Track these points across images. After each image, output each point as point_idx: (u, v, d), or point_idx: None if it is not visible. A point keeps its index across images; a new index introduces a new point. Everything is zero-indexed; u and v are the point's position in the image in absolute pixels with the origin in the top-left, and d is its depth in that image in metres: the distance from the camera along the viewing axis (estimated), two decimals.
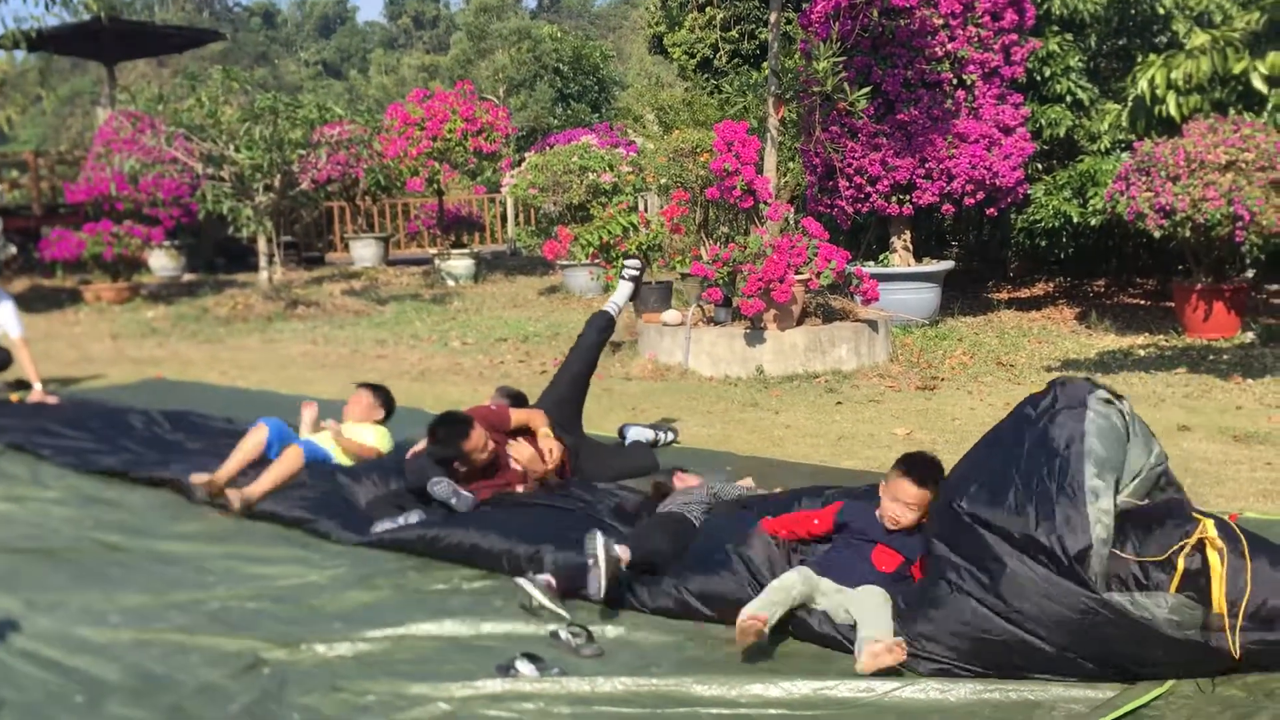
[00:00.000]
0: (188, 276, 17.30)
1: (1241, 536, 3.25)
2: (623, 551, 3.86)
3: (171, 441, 6.45)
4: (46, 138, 43.69)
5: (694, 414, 7.39)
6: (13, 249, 13.81)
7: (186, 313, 13.28)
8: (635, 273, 6.82)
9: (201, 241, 18.00)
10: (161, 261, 17.20)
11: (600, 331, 6.29)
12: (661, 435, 6.46)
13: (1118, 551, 3.21)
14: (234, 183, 13.47)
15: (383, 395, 6.06)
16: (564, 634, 3.63)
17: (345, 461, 5.62)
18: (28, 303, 13.32)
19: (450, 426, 5.05)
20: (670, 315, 9.53)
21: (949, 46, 10.59)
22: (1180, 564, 3.17)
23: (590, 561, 3.78)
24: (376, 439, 5.83)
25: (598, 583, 3.75)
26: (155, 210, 15.85)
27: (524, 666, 3.34)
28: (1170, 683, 3.13)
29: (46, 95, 20.49)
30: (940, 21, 10.55)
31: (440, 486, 4.84)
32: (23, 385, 7.85)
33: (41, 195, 17.93)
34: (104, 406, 7.43)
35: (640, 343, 9.73)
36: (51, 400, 7.61)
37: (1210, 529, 3.23)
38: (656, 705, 3.16)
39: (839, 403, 7.60)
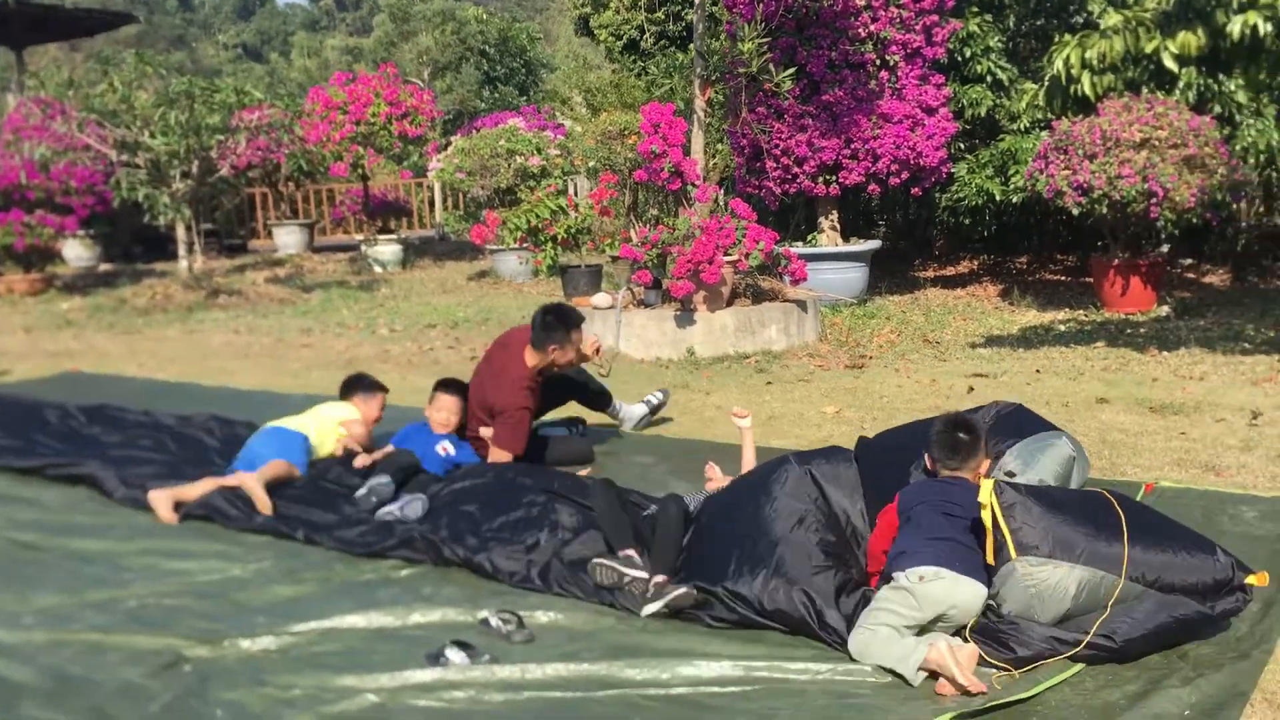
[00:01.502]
0: (104, 266, 16.87)
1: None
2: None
3: (88, 436, 6.27)
4: None
5: (626, 397, 7.35)
6: None
7: (103, 304, 12.95)
8: (657, 403, 6.59)
9: (117, 230, 17.54)
10: (76, 251, 16.73)
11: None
12: (654, 399, 6.58)
13: None
14: (149, 169, 13.13)
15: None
16: (494, 620, 3.60)
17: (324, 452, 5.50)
18: None
19: (568, 314, 5.48)
20: (600, 299, 9.49)
21: (872, 28, 10.67)
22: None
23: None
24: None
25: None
26: (68, 199, 15.38)
27: (454, 655, 3.31)
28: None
29: None
30: (863, 2, 10.62)
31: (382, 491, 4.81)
32: None
33: None
34: (17, 401, 7.21)
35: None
36: None
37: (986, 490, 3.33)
38: (588, 689, 3.15)
39: (769, 383, 7.64)
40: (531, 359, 5.50)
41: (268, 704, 3.13)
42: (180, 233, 13.97)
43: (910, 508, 3.53)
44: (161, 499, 4.95)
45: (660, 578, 3.77)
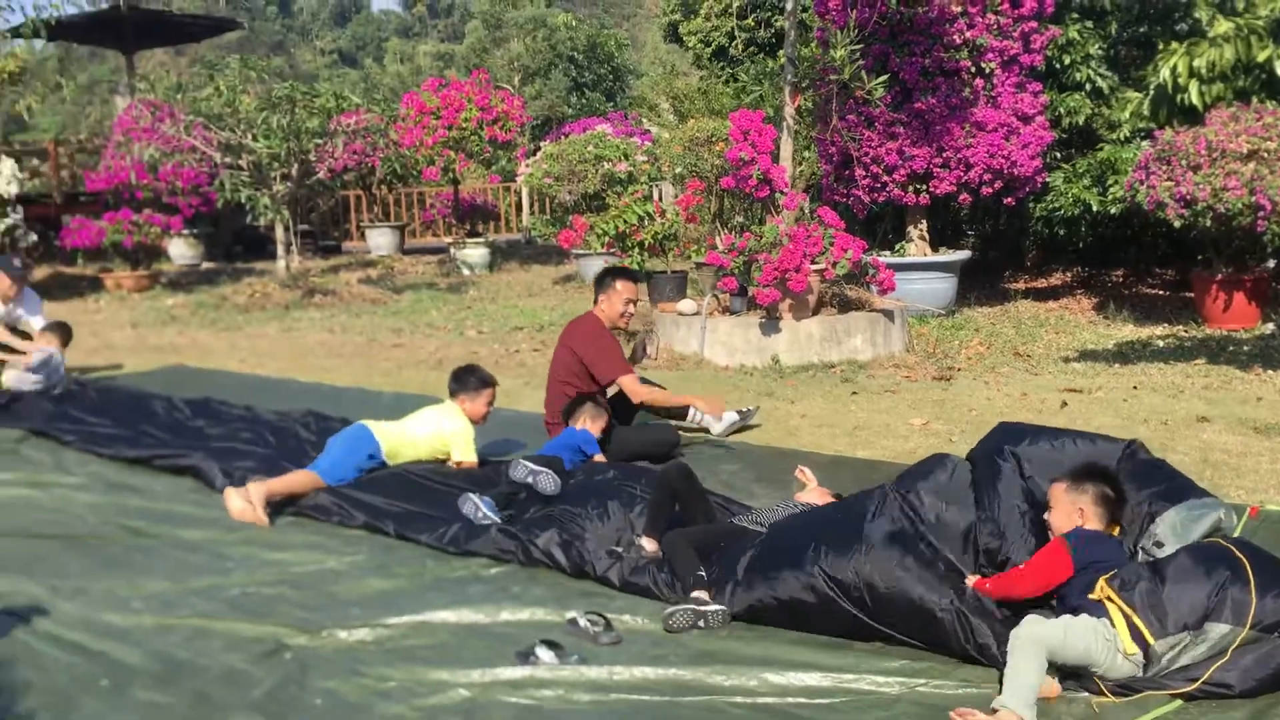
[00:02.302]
0: (206, 264, 17.38)
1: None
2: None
3: (192, 428, 6.49)
4: (65, 126, 43.85)
5: None
6: (34, 237, 13.87)
7: (205, 301, 13.35)
8: (748, 411, 6.70)
9: (219, 230, 18.07)
10: (180, 250, 17.27)
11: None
12: (746, 409, 6.68)
13: None
14: (252, 171, 13.52)
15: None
16: (582, 621, 3.65)
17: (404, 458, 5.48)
18: (50, 290, 13.40)
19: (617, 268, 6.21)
20: (685, 305, 9.53)
21: (968, 34, 10.55)
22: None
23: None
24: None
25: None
26: (174, 199, 15.90)
27: (544, 654, 3.37)
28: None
29: (66, 84, 20.56)
30: (959, 9, 10.51)
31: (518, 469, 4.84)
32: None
33: (62, 184, 18.03)
34: (126, 393, 7.49)
35: (656, 332, 9.73)
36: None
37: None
38: (675, 694, 3.19)
39: (854, 393, 7.60)
40: (596, 312, 6.13)
41: (364, 694, 3.22)
42: (279, 233, 14.36)
43: (1103, 563, 3.35)
44: (236, 497, 5.01)
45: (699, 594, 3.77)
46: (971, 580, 3.57)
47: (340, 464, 5.26)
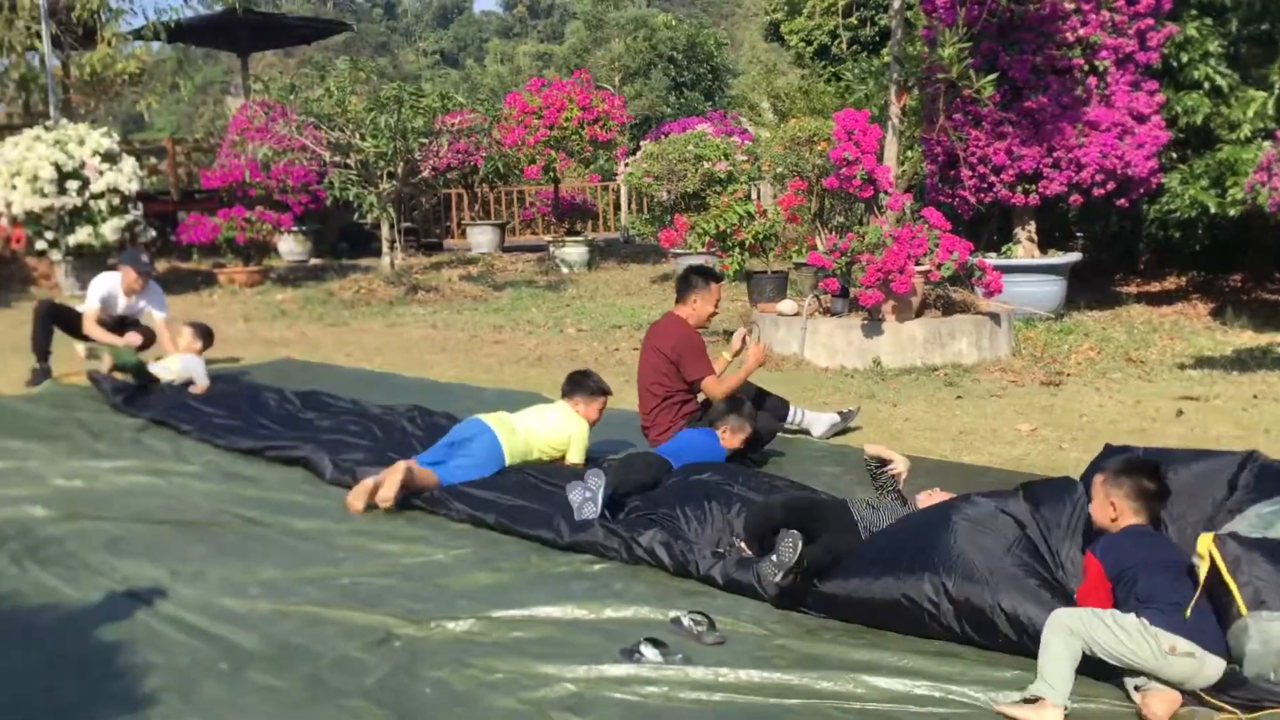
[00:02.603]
0: (314, 261, 17.82)
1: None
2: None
3: (303, 420, 6.66)
4: (180, 126, 45.42)
5: (810, 405, 7.33)
6: (152, 233, 14.36)
7: (313, 296, 13.68)
8: (849, 412, 6.68)
9: (326, 227, 18.52)
10: (290, 246, 17.73)
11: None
12: (847, 411, 6.66)
13: None
14: (359, 170, 13.82)
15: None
16: (686, 620, 3.65)
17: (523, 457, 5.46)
18: (166, 285, 13.77)
19: (705, 269, 6.21)
20: (786, 305, 9.48)
21: (1081, 32, 10.30)
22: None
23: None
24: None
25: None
26: (285, 196, 16.35)
27: (649, 651, 3.38)
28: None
29: (183, 84, 21.26)
30: (1072, 6, 10.26)
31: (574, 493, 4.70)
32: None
33: (179, 181, 18.66)
34: (240, 385, 7.72)
35: (755, 333, 9.70)
36: (196, 388, 7.95)
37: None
38: (780, 696, 3.17)
39: (959, 397, 7.47)
40: (682, 313, 6.04)
41: (472, 685, 3.27)
42: (384, 230, 14.66)
43: (1132, 566, 3.26)
44: (358, 494, 5.07)
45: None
46: None
47: (467, 472, 5.23)
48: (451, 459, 5.29)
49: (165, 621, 3.79)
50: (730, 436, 5.49)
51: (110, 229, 13.31)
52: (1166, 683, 3.03)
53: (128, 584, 4.12)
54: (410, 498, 5.11)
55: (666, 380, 5.88)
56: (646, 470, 5.01)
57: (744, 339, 6.12)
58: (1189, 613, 3.07)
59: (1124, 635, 3.04)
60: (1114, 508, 3.47)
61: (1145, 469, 3.53)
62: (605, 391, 5.74)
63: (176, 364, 7.59)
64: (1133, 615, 3.09)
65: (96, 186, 13.24)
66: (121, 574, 4.23)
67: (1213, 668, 3.04)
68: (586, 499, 4.61)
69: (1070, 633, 3.06)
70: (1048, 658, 3.03)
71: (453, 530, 4.80)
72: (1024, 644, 3.29)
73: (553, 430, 5.54)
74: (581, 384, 5.70)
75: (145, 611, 3.87)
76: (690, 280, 6.08)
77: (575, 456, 5.53)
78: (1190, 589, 3.14)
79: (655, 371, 5.92)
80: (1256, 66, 11.63)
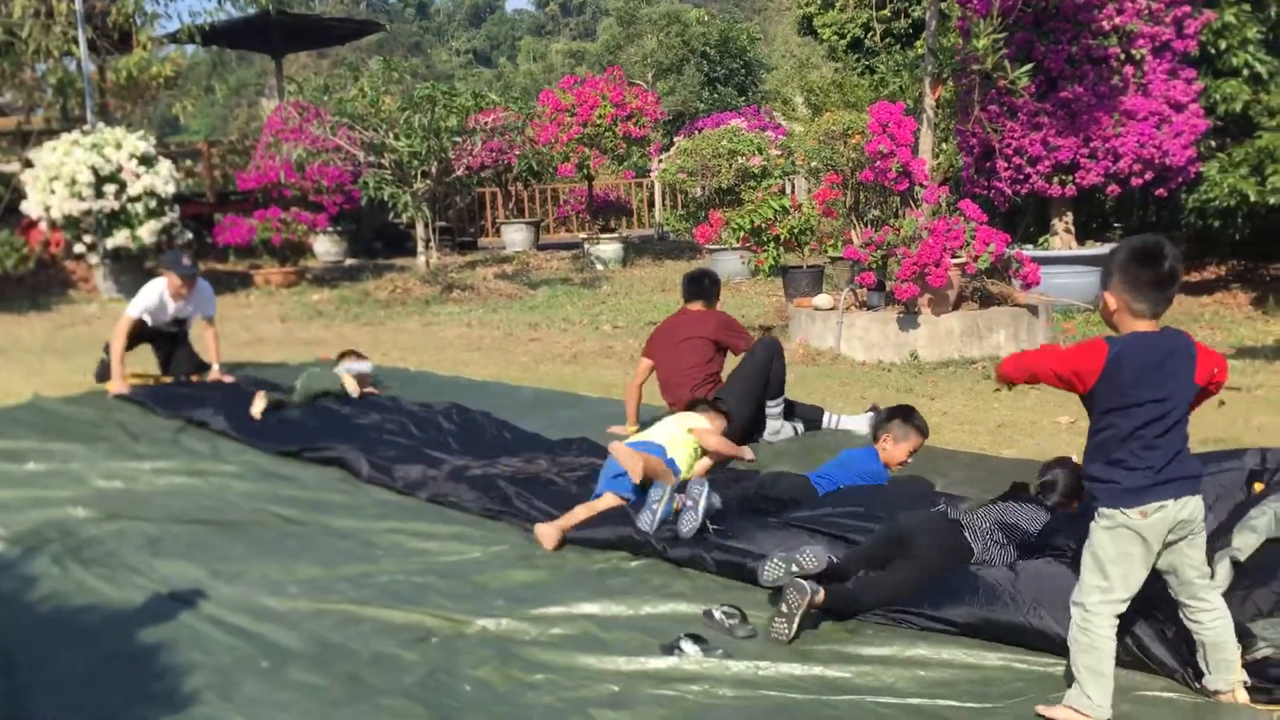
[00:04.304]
0: (349, 261, 17.91)
1: None
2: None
3: (342, 416, 6.71)
4: (215, 128, 45.84)
5: (847, 400, 7.30)
6: (189, 235, 14.50)
7: (349, 296, 13.76)
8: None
9: (361, 227, 18.61)
10: (325, 246, 17.84)
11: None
12: (874, 407, 6.52)
13: None
14: (393, 170, 13.88)
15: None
16: (718, 614, 3.64)
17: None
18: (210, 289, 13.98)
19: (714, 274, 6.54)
20: (822, 300, 9.43)
21: (1117, 20, 10.17)
22: None
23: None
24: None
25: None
26: (320, 197, 16.45)
27: (688, 647, 3.38)
28: None
29: (218, 87, 21.44)
30: None
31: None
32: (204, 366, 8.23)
33: (214, 183, 18.82)
34: (277, 386, 7.77)
35: (791, 327, 9.66)
36: (228, 379, 7.98)
37: None
38: (821, 691, 3.15)
39: (997, 390, 7.40)
40: (713, 313, 6.49)
41: (511, 684, 3.27)
42: (419, 230, 14.71)
43: (1140, 385, 2.86)
44: (548, 533, 4.56)
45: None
46: None
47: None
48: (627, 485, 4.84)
49: (206, 621, 3.82)
50: (894, 448, 4.90)
51: (147, 232, 13.44)
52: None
53: (168, 584, 4.16)
54: (436, 494, 5.17)
55: (711, 366, 6.31)
56: (788, 488, 4.71)
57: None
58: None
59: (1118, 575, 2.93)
60: (1120, 301, 2.98)
61: (1141, 252, 2.98)
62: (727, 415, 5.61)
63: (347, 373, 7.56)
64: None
65: (133, 190, 13.37)
66: (161, 574, 4.26)
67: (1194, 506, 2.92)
68: (688, 507, 4.35)
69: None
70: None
71: (490, 528, 4.81)
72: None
73: (686, 437, 5.27)
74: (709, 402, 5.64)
75: (186, 611, 3.90)
76: (712, 286, 6.54)
77: (721, 447, 5.36)
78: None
79: (702, 358, 6.27)
80: None
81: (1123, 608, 2.92)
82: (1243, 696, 2.97)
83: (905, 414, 4.97)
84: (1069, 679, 2.97)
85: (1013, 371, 3.15)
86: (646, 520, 4.41)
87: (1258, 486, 3.42)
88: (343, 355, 7.76)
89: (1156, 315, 2.94)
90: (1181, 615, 3.04)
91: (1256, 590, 3.04)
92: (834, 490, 4.76)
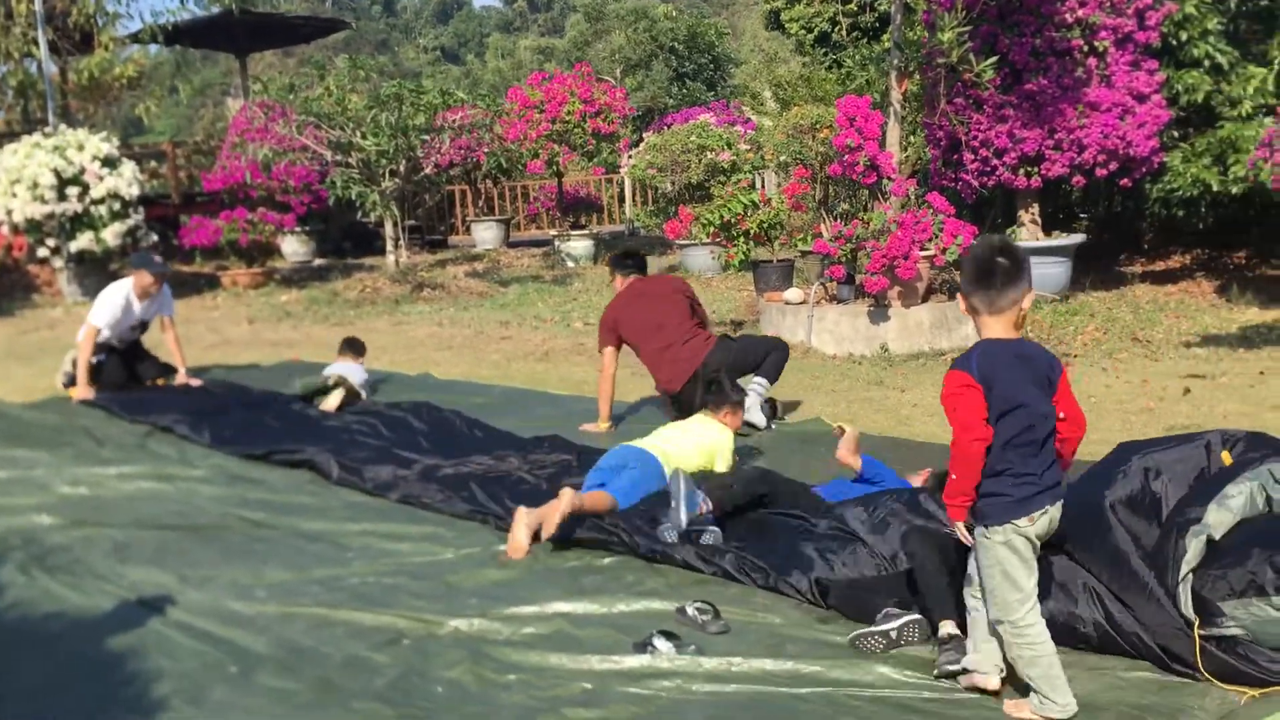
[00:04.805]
0: (318, 261, 17.78)
1: None
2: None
3: (310, 418, 6.67)
4: (180, 128, 45.37)
5: (818, 393, 7.33)
6: (154, 237, 14.35)
7: (318, 296, 13.67)
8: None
9: (330, 227, 18.48)
10: (293, 247, 17.70)
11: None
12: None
13: None
14: (361, 169, 13.79)
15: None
16: (691, 610, 3.64)
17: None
18: (170, 289, 13.85)
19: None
20: (792, 294, 9.46)
21: (1080, 12, 10.23)
22: None
23: None
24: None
25: None
26: (287, 197, 16.32)
27: (661, 644, 3.37)
28: None
29: (182, 87, 21.23)
30: None
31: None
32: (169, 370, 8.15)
33: (180, 184, 18.63)
34: (246, 388, 7.71)
35: (762, 321, 9.68)
36: (195, 383, 7.91)
37: None
38: (794, 685, 3.16)
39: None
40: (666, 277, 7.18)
41: (484, 685, 3.26)
42: (387, 229, 14.63)
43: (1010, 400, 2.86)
44: (521, 530, 4.44)
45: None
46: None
47: (629, 493, 4.73)
48: (613, 482, 4.78)
49: (174, 626, 3.78)
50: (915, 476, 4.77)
51: (112, 234, 13.30)
52: None
53: (135, 590, 4.11)
54: (407, 495, 5.14)
55: (696, 319, 6.60)
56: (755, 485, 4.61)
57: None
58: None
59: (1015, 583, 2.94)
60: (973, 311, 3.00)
61: (981, 251, 3.00)
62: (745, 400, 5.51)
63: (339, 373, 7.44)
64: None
65: (97, 192, 13.23)
66: (129, 580, 4.22)
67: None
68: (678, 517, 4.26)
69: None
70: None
71: (462, 528, 4.79)
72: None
73: (698, 444, 5.14)
74: (724, 394, 5.38)
75: (154, 617, 3.86)
76: (636, 263, 6.91)
77: (722, 466, 5.14)
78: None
79: (684, 314, 6.52)
80: (1256, 43, 11.55)
81: (1038, 605, 2.92)
82: (995, 684, 3.00)
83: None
84: (1024, 690, 2.96)
85: (953, 497, 2.96)
86: (671, 529, 4.25)
87: (1226, 458, 3.43)
88: (344, 346, 7.77)
89: (1001, 311, 2.92)
90: (966, 593, 3.07)
91: (1231, 570, 3.06)
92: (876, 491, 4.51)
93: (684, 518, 4.26)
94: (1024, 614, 2.88)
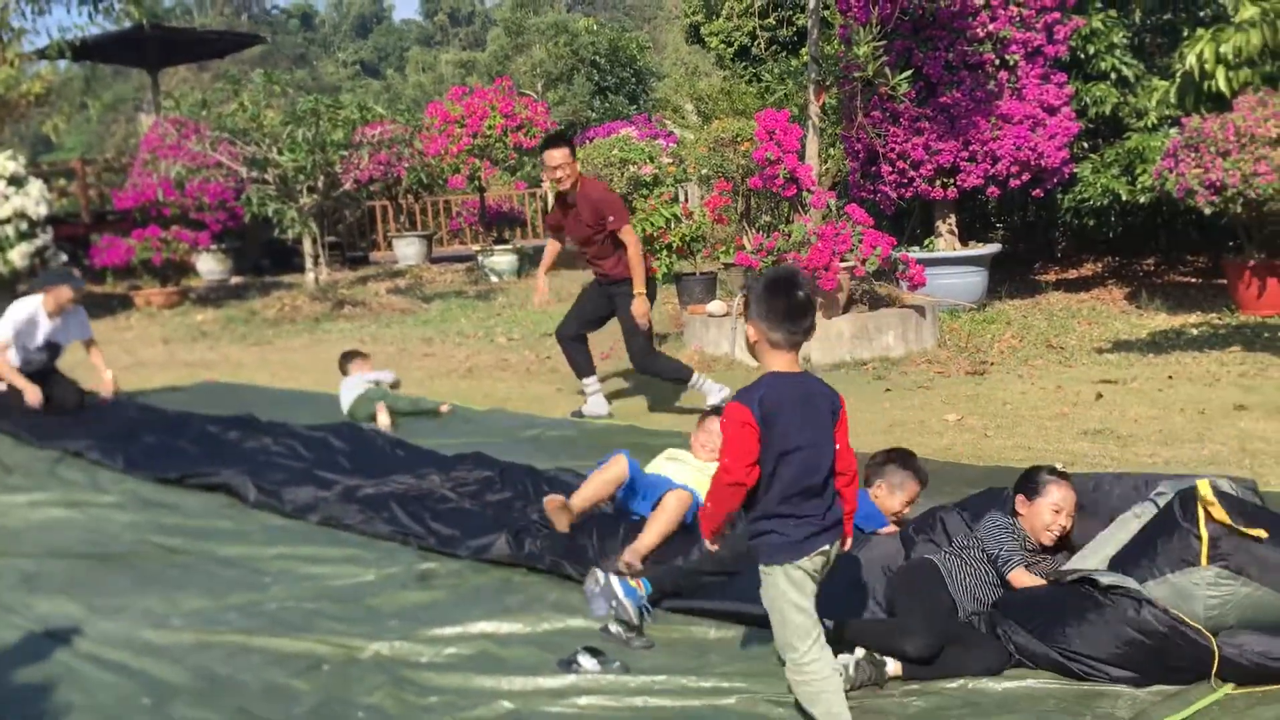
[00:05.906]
0: (235, 279, 17.49)
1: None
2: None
3: (226, 441, 6.52)
4: (91, 145, 44.29)
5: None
6: (64, 257, 13.99)
7: (235, 315, 13.43)
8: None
9: (247, 244, 18.18)
10: (209, 265, 17.38)
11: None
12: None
13: None
14: (278, 185, 13.59)
15: None
16: (614, 627, 3.63)
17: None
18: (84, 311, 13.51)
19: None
20: (715, 306, 9.51)
21: (990, 27, 10.46)
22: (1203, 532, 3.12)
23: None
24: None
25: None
26: (201, 214, 16.02)
27: (586, 661, 3.35)
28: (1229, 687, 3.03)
29: (92, 103, 20.75)
30: (981, 2, 10.42)
31: None
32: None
33: (90, 203, 18.18)
34: (160, 411, 7.53)
35: (686, 334, 9.72)
36: (108, 392, 7.81)
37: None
38: (717, 698, 3.16)
39: (888, 390, 7.54)
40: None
41: (406, 709, 3.20)
42: (306, 246, 14.42)
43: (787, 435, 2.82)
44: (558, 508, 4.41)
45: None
46: None
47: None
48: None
49: (85, 659, 3.67)
50: (888, 496, 4.27)
51: (19, 255, 12.95)
52: None
53: (44, 622, 3.98)
54: (330, 515, 5.04)
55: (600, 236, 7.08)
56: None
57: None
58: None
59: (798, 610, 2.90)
60: (761, 333, 2.94)
61: (774, 282, 2.94)
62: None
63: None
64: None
65: (2, 212, 12.87)
66: (37, 612, 4.09)
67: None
68: (611, 598, 3.79)
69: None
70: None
71: (383, 549, 4.72)
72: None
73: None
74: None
75: (64, 650, 3.74)
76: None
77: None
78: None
79: (591, 230, 7.06)
80: (1160, 56, 11.93)
81: (824, 639, 2.88)
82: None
83: (903, 458, 4.34)
84: None
85: (709, 520, 2.96)
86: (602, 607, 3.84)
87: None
88: (348, 358, 7.70)
89: (794, 347, 2.92)
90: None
91: (1158, 558, 3.19)
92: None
93: (631, 613, 3.73)
94: (805, 649, 2.83)
